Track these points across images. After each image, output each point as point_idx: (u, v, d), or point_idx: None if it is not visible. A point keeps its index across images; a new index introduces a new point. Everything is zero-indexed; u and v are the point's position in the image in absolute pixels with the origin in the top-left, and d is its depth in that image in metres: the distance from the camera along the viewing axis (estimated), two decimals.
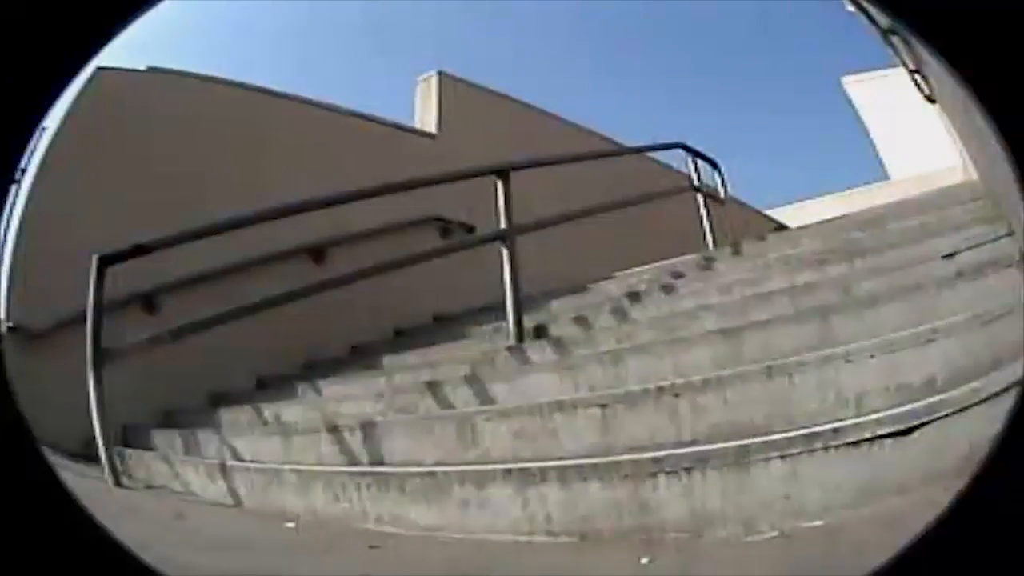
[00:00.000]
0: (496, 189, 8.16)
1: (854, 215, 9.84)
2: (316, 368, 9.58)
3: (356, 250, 10.71)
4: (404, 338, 10.36)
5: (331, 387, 7.96)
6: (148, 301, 9.43)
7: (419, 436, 5.28)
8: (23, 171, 9.20)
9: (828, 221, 10.08)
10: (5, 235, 9.05)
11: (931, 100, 8.10)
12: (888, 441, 3.39)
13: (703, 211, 11.70)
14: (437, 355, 8.08)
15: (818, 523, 3.28)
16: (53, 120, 9.56)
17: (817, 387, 4.10)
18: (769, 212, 19.44)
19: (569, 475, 3.81)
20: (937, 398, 3.55)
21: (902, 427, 3.39)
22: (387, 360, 8.64)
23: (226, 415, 7.99)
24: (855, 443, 3.40)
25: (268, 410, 7.57)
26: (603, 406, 4.55)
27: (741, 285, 7.19)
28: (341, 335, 10.54)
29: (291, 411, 7.43)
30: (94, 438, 6.74)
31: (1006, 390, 3.31)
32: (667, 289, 8.22)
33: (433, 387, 6.39)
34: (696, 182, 12.04)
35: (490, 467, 4.30)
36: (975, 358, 3.96)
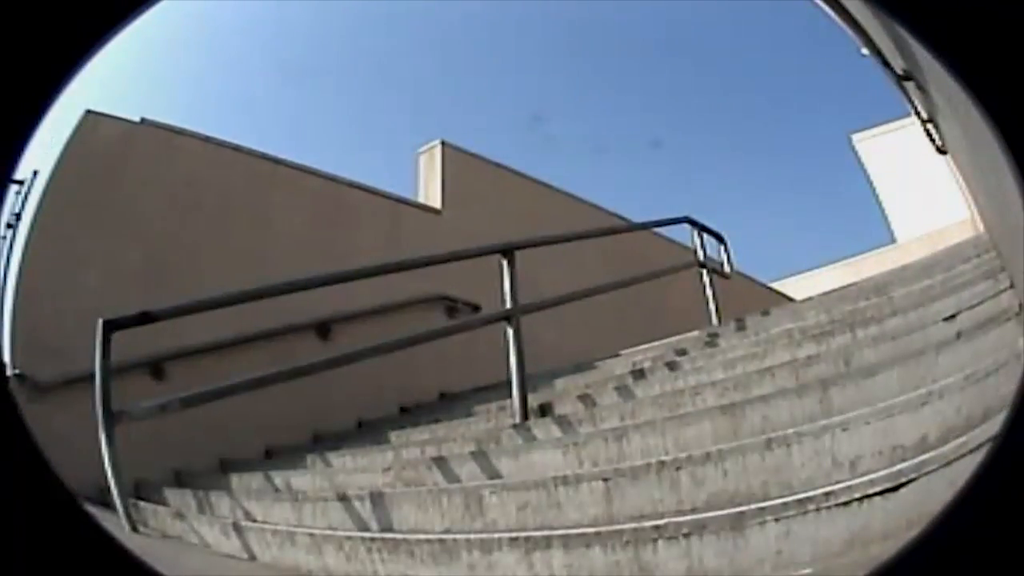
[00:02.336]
0: (501, 268, 8.26)
1: (860, 283, 9.95)
2: (323, 440, 9.77)
3: (361, 327, 10.87)
4: (410, 414, 10.49)
5: (340, 459, 7.98)
6: (156, 368, 9.64)
7: (427, 507, 5.33)
8: (18, 216, 9.51)
9: (833, 291, 10.17)
10: (6, 278, 9.32)
11: (942, 151, 8.21)
12: (877, 498, 3.51)
13: (708, 287, 11.75)
14: (443, 432, 8.15)
15: (807, 571, 3.40)
16: (45, 164, 9.90)
17: (814, 455, 4.19)
18: (776, 284, 19.54)
19: (573, 542, 3.91)
20: (926, 456, 3.69)
21: (891, 485, 3.52)
22: (394, 436, 8.67)
23: (236, 480, 8.06)
24: (846, 503, 3.52)
25: (278, 477, 7.62)
26: (606, 479, 4.63)
27: (744, 361, 7.27)
28: (347, 409, 10.68)
29: (301, 480, 7.47)
30: (107, 487, 6.81)
31: (990, 441, 3.41)
32: (671, 366, 8.27)
33: (440, 462, 6.45)
34: (701, 257, 12.09)
35: (496, 535, 4.40)
36: (967, 414, 4.11)
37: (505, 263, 8.31)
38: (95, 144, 10.46)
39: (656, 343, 9.98)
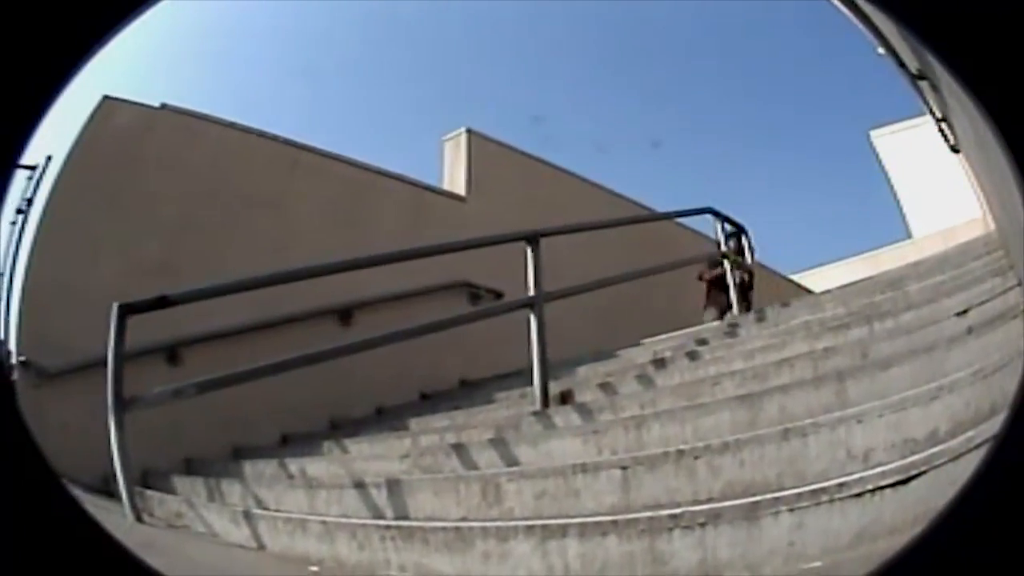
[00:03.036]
0: (526, 255, 8.23)
1: (877, 277, 10.05)
2: (341, 427, 9.75)
3: (383, 313, 10.86)
4: (430, 401, 10.48)
5: (357, 446, 7.98)
6: (172, 353, 9.64)
7: (444, 494, 5.32)
8: (29, 201, 9.54)
9: (851, 284, 10.21)
10: (13, 267, 9.34)
11: (955, 150, 8.19)
12: (888, 490, 3.50)
13: (729, 277, 11.75)
14: (463, 419, 8.13)
15: (817, 564, 3.38)
16: (60, 149, 9.90)
17: (829, 446, 4.20)
18: (795, 277, 19.44)
19: (589, 530, 3.88)
20: (936, 449, 3.69)
21: (902, 477, 3.51)
22: (413, 422, 8.66)
23: (249, 467, 8.04)
24: (858, 495, 3.51)
25: (293, 465, 7.59)
26: (624, 468, 4.61)
27: (763, 351, 7.28)
28: (367, 396, 10.69)
29: (316, 467, 7.44)
30: (114, 476, 6.75)
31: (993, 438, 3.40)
32: (692, 356, 8.30)
33: (459, 449, 6.43)
34: (724, 247, 12.12)
35: (512, 523, 4.38)
36: (975, 408, 4.12)
37: (529, 250, 8.27)
38: (112, 129, 10.45)
39: (677, 333, 10.01)
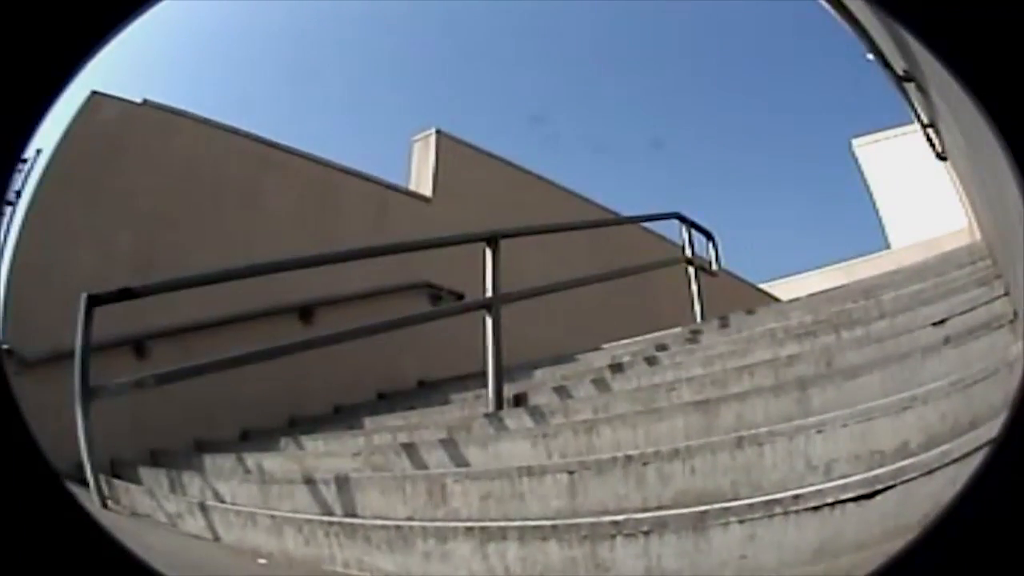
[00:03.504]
0: (484, 256, 8.20)
1: (850, 285, 9.95)
2: (299, 424, 9.73)
3: (344, 312, 10.81)
4: (386, 401, 10.43)
5: (312, 443, 7.96)
6: (139, 346, 9.63)
7: (391, 493, 5.28)
8: (18, 193, 9.49)
9: (822, 292, 10.15)
10: (2, 254, 9.31)
11: (942, 157, 8.18)
12: (850, 504, 3.41)
13: (694, 283, 11.66)
14: (417, 419, 8.10)
15: None
16: (48, 142, 9.90)
17: (787, 456, 4.12)
18: (767, 285, 19.44)
19: (529, 535, 3.84)
20: (906, 462, 3.60)
21: (866, 491, 3.42)
22: (368, 421, 8.63)
23: (210, 461, 8.02)
24: (816, 508, 3.43)
25: (250, 459, 7.59)
26: (571, 472, 4.56)
27: (724, 358, 7.22)
28: (325, 394, 10.68)
29: (272, 462, 7.43)
30: (81, 464, 6.81)
31: (976, 450, 3.35)
32: (650, 361, 8.27)
33: (409, 448, 6.40)
34: (689, 253, 12.02)
35: (453, 524, 4.35)
36: (953, 421, 4.04)
37: (489, 252, 8.24)
38: (97, 124, 10.38)
39: (638, 338, 9.91)
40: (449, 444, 6.25)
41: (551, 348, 10.15)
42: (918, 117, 7.78)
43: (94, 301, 7.20)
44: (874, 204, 26.47)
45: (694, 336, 9.31)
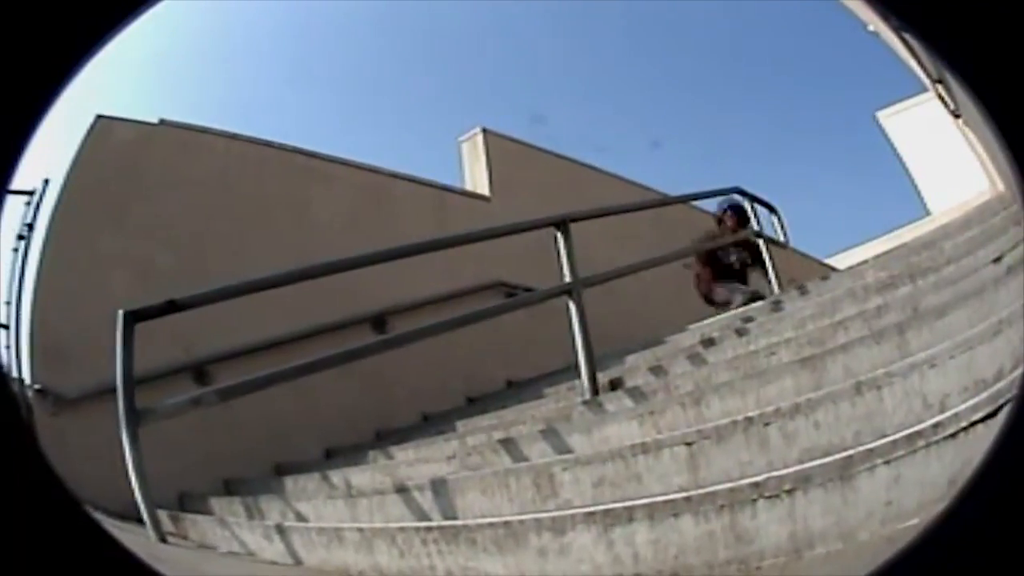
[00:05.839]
0: (557, 242, 8.02)
1: (909, 243, 9.89)
2: (387, 437, 9.48)
3: (418, 318, 10.50)
4: (477, 404, 10.18)
5: (402, 452, 7.73)
6: (199, 372, 9.30)
7: (493, 491, 5.04)
8: (30, 227, 9.45)
9: (885, 253, 10.11)
10: (19, 295, 9.18)
11: (956, 115, 8.16)
12: (979, 426, 3.30)
13: (766, 256, 11.38)
14: (511, 416, 7.87)
15: (914, 522, 3.09)
16: (59, 172, 9.78)
17: (904, 397, 4.02)
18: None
19: (658, 511, 3.55)
20: (1004, 383, 3.51)
21: (992, 409, 3.30)
22: (460, 425, 8.41)
23: (291, 482, 7.83)
24: (954, 434, 3.31)
25: (336, 476, 7.40)
26: (689, 444, 4.34)
27: (814, 319, 7.11)
28: (411, 404, 10.55)
29: (360, 476, 7.23)
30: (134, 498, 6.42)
31: None
32: (740, 333, 8.11)
33: (507, 444, 6.20)
34: (756, 227, 11.77)
35: (569, 512, 4.03)
36: None
37: (560, 236, 8.04)
38: (110, 148, 10.26)
39: (720, 316, 9.83)
40: (550, 434, 6.01)
41: (632, 337, 9.85)
42: (928, 75, 7.60)
43: (135, 317, 6.75)
44: (907, 172, 26.09)
45: (776, 305, 9.17)
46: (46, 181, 9.69)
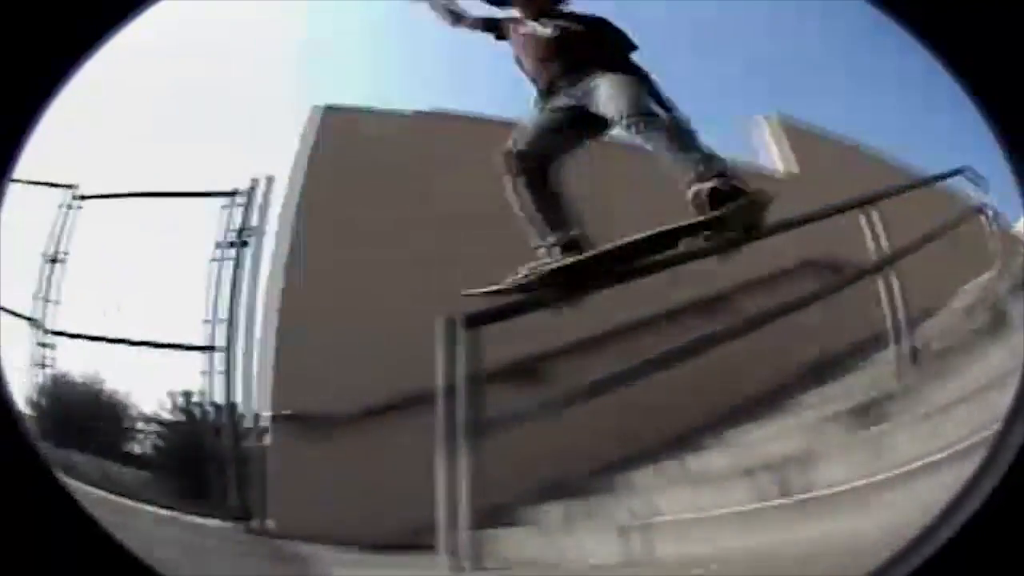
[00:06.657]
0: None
1: None
2: (733, 417, 8.74)
3: (742, 302, 9.75)
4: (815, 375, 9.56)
5: (745, 435, 7.50)
6: (528, 369, 8.40)
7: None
8: (240, 232, 9.03)
9: None
10: (232, 310, 8.93)
11: None
12: None
13: None
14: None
15: None
16: (284, 168, 9.26)
17: None
18: None
19: None
20: None
21: None
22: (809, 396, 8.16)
23: (621, 478, 7.49)
24: None
25: (672, 466, 7.13)
26: None
27: None
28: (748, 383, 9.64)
29: (702, 461, 7.00)
30: (434, 523, 6.15)
31: None
32: None
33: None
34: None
35: None
36: None
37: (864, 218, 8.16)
38: (357, 139, 9.69)
39: None
40: None
41: None
42: None
43: (473, 322, 6.40)
44: None
45: None
46: (269, 178, 9.34)
